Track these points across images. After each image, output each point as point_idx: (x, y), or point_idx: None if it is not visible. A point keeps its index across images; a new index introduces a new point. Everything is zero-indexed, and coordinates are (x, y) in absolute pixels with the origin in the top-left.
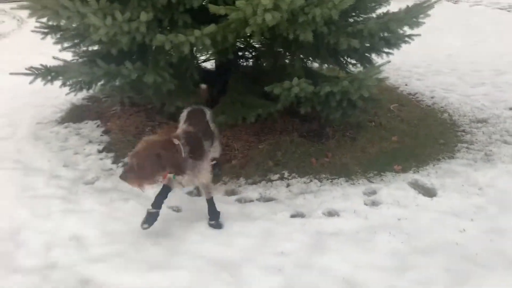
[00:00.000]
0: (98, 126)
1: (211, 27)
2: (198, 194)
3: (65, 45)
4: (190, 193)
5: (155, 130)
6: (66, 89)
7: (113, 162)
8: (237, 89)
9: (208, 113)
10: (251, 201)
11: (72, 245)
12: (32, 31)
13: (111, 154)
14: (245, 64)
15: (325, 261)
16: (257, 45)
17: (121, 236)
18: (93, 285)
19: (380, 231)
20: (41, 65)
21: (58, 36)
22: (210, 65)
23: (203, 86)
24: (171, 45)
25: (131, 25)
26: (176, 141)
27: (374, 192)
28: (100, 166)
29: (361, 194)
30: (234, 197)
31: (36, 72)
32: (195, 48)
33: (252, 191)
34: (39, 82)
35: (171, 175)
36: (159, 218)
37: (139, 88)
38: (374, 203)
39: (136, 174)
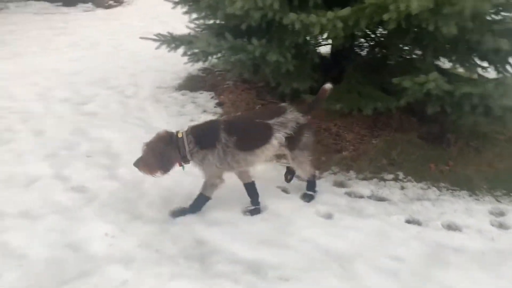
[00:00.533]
0: (212, 97)
1: (346, 10)
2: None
3: (194, 16)
4: (297, 177)
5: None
6: (184, 58)
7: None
8: (355, 78)
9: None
10: (362, 197)
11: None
12: None
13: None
14: (361, 52)
15: (446, 277)
16: (376, 35)
17: (234, 205)
18: (208, 246)
19: (510, 257)
20: (168, 33)
21: (188, 6)
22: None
23: None
24: (301, 25)
25: (265, 1)
26: (180, 135)
27: (502, 214)
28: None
29: (486, 212)
30: (343, 190)
31: (163, 39)
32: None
33: (363, 187)
34: (162, 48)
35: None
36: (268, 194)
37: (257, 65)
38: (502, 226)
39: (147, 164)
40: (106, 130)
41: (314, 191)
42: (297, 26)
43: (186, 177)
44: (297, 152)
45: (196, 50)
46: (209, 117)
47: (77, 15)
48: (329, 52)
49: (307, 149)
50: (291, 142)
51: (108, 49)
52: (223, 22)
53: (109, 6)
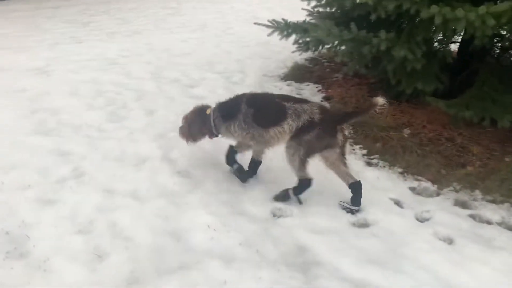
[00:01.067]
0: (319, 90)
1: (503, 6)
2: (427, 194)
3: (312, 3)
4: (412, 189)
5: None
6: (289, 46)
7: None
8: (490, 83)
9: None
10: (489, 223)
11: (294, 207)
12: None
13: None
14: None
15: None
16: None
17: (340, 215)
18: (310, 256)
19: None
20: (282, 19)
21: None
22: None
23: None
24: (442, 20)
25: None
26: (208, 111)
27: None
28: None
29: None
30: (466, 211)
31: (276, 25)
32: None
33: (491, 212)
34: (269, 35)
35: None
36: (380, 206)
37: (377, 60)
38: None
39: (183, 132)
40: None
41: (298, 197)
42: (437, 20)
43: (294, 178)
44: (293, 144)
45: (308, 39)
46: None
47: None
48: (455, 51)
49: (305, 148)
50: (296, 132)
51: (216, 32)
52: (343, 12)
53: None
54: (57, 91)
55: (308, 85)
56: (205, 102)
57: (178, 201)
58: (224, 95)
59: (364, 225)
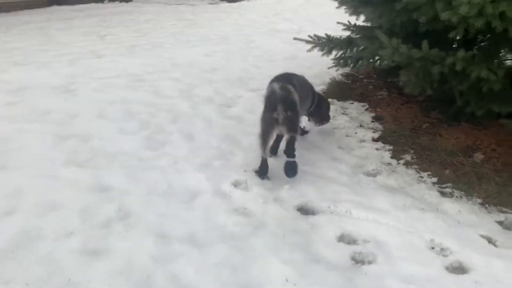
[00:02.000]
0: (366, 109)
1: None
2: None
3: (361, 18)
4: (500, 223)
5: (435, 129)
6: (318, 61)
7: (392, 157)
8: None
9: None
10: None
11: (372, 248)
12: None
13: (389, 147)
14: None
15: None
16: None
17: (430, 259)
18: None
19: None
20: (326, 34)
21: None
22: None
23: None
24: None
25: (497, 5)
26: None
27: None
28: (377, 157)
29: None
30: None
31: (318, 41)
32: None
33: None
34: (294, 48)
35: None
36: (472, 245)
37: (444, 80)
38: None
39: None
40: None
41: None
42: None
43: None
44: None
45: (350, 54)
46: (368, 135)
47: (203, 7)
48: None
49: None
50: None
51: (239, 45)
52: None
53: (232, 0)
54: (85, 113)
55: (352, 103)
56: (244, 123)
57: (242, 246)
58: None
59: (460, 270)
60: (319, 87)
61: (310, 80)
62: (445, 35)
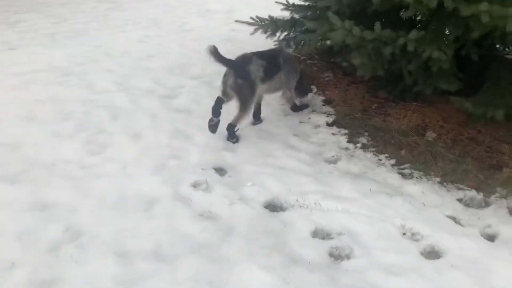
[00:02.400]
0: (315, 93)
1: None
2: (477, 205)
3: None
4: (460, 201)
5: (384, 109)
6: (258, 42)
7: (349, 141)
8: (505, 77)
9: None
10: None
11: (347, 241)
12: None
13: (344, 131)
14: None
15: None
16: None
17: (404, 245)
18: None
19: None
20: (269, 16)
21: None
22: None
23: None
24: (490, 18)
25: None
26: None
27: None
28: (335, 142)
29: None
30: None
31: (260, 23)
32: None
33: None
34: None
35: None
36: (442, 230)
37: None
38: None
39: None
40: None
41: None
42: (484, 19)
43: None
44: None
45: (293, 35)
46: (322, 119)
47: None
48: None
49: None
50: None
51: (172, 28)
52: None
53: None
54: (8, 116)
55: None
56: (194, 116)
57: (215, 256)
58: (211, 105)
59: (434, 254)
60: None
61: None
62: (393, 16)
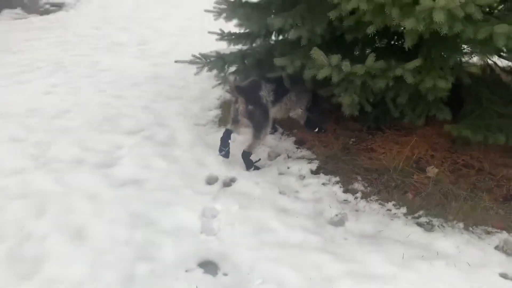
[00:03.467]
0: (282, 133)
1: None
2: None
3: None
4: (500, 249)
5: (364, 143)
6: (188, 78)
7: (345, 191)
8: (486, 97)
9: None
10: None
11: None
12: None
13: (334, 178)
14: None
15: None
16: None
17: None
18: None
19: None
20: (216, 52)
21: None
22: None
23: None
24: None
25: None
26: None
27: None
28: (330, 195)
29: None
30: None
31: (206, 60)
32: None
33: None
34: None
35: None
36: None
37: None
38: None
39: None
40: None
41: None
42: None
43: None
44: None
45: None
46: (305, 167)
47: (8, 24)
48: None
49: None
50: None
51: (82, 71)
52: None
53: (45, 12)
54: None
55: None
56: (147, 187)
57: None
58: (168, 170)
59: None
60: (211, 113)
61: (192, 105)
62: (372, 43)
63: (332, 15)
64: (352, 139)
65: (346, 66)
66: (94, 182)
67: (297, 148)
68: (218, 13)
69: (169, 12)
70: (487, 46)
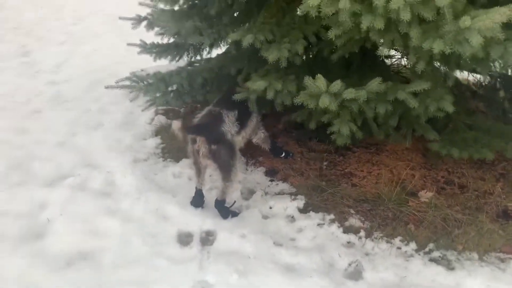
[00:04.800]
0: (247, 164)
1: None
2: None
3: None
4: None
5: (339, 167)
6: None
7: (345, 231)
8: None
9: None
10: None
11: None
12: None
13: (328, 216)
14: None
15: None
16: None
17: None
18: None
19: None
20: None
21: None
22: None
23: None
24: None
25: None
26: None
27: None
28: (332, 240)
29: None
30: None
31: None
32: None
33: None
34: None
35: None
36: None
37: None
38: None
39: None
40: None
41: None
42: None
43: None
44: None
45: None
46: (290, 205)
47: None
48: None
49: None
50: None
51: None
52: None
53: None
54: None
55: None
56: (104, 262)
57: None
58: (121, 232)
59: None
60: (149, 144)
61: (120, 134)
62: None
63: (332, 34)
64: (324, 163)
65: (350, 93)
66: (22, 266)
67: (270, 181)
68: (137, 21)
69: (47, 14)
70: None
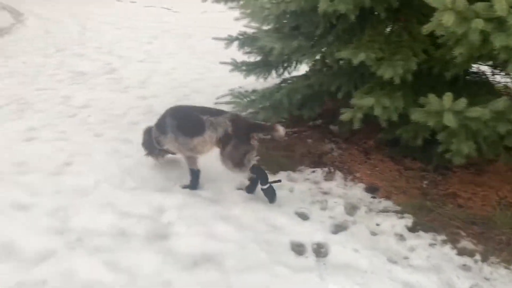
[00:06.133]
0: (343, 178)
1: None
2: None
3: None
4: None
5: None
6: None
7: (458, 253)
8: None
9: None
10: None
11: None
12: None
13: (439, 237)
14: None
15: None
16: None
17: None
18: None
19: None
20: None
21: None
22: None
23: None
24: None
25: None
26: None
27: None
28: (447, 261)
29: None
30: None
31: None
32: None
33: None
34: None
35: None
36: None
37: None
38: None
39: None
40: None
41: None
42: None
43: None
44: (222, 158)
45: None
46: (391, 221)
47: None
48: None
49: (231, 159)
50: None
51: (59, 109)
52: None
53: None
54: None
55: (314, 171)
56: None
57: None
58: (237, 238)
59: None
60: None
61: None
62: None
63: (457, 52)
64: (425, 182)
65: (475, 111)
66: (157, 262)
67: (372, 197)
68: (230, 41)
69: (124, 34)
70: None
